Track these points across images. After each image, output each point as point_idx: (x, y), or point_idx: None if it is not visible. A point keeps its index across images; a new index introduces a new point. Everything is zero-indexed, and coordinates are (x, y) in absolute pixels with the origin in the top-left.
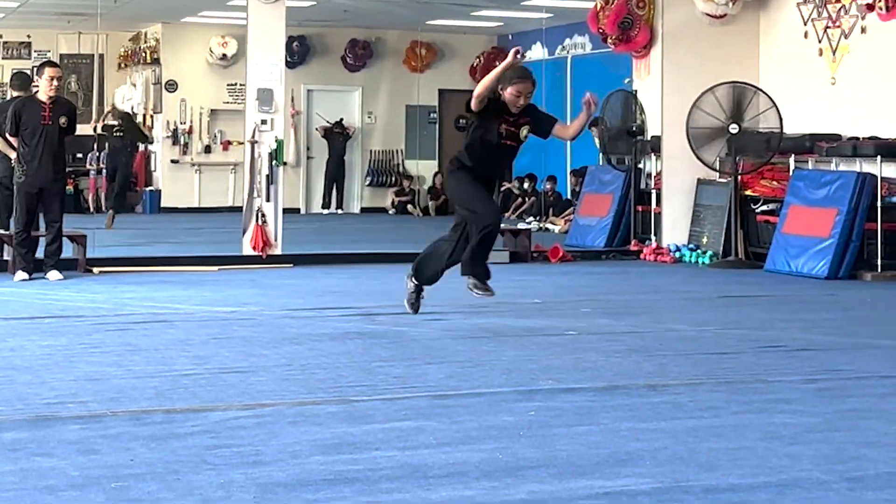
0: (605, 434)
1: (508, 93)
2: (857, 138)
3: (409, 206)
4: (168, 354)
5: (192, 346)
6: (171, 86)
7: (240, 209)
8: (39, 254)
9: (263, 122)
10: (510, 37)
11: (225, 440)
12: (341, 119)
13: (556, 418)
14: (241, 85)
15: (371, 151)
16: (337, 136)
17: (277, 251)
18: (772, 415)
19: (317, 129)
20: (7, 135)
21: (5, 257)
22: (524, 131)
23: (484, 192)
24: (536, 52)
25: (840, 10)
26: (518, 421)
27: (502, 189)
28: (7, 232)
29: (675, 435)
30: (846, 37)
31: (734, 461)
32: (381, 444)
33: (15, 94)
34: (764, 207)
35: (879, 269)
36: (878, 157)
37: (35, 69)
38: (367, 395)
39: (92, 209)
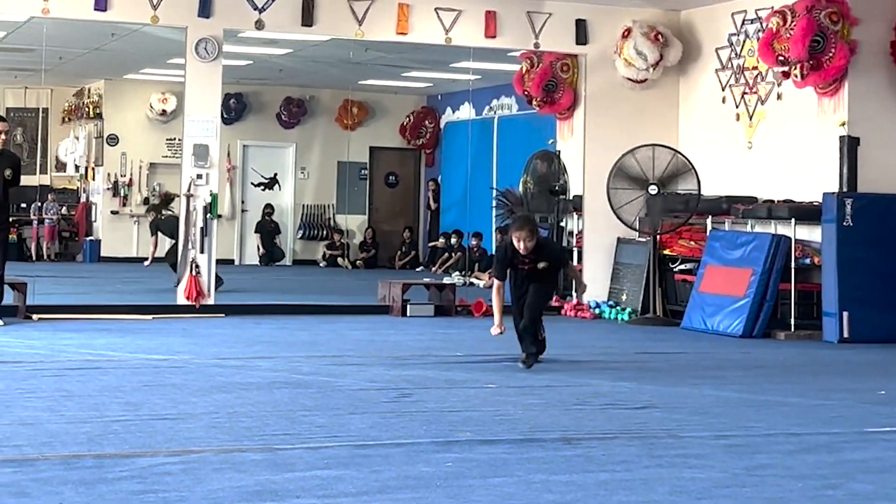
0: (519, 486)
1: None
2: (773, 201)
3: (340, 259)
4: (101, 400)
5: (124, 392)
6: (113, 139)
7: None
8: None
9: (199, 176)
10: (439, 97)
11: (151, 486)
12: (275, 174)
13: (472, 469)
14: (179, 140)
15: (304, 206)
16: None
17: (210, 301)
18: (681, 469)
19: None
20: None
21: None
22: (541, 265)
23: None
24: (464, 113)
25: (757, 76)
26: (435, 471)
27: (429, 245)
28: None
29: (587, 488)
30: (763, 103)
31: None
32: (301, 492)
33: None
34: (682, 266)
35: (792, 329)
36: (793, 220)
37: None
38: (291, 443)
39: (34, 257)
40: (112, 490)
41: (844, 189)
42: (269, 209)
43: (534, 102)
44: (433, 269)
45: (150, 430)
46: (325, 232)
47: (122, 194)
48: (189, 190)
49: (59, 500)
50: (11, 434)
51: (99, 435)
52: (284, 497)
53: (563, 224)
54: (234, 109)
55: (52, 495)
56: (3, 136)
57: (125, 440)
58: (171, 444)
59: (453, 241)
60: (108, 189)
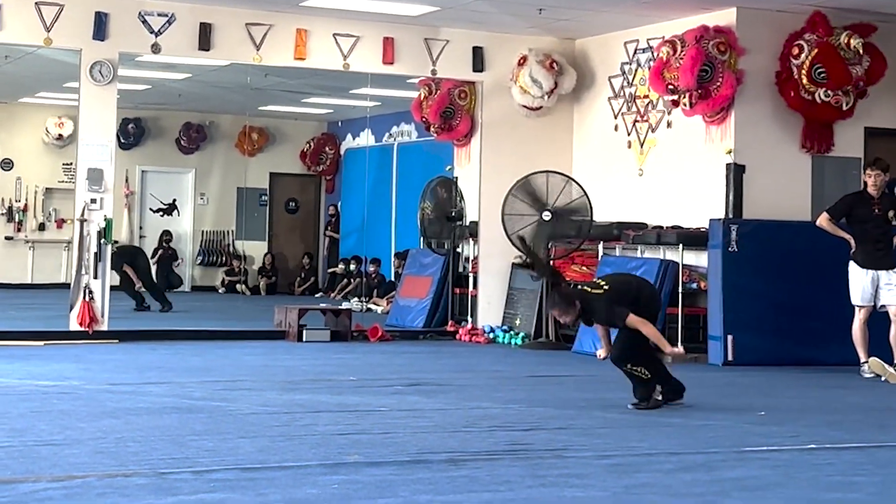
0: None
1: None
2: (662, 227)
3: (238, 286)
4: None
5: (9, 418)
6: (7, 164)
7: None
8: None
9: (93, 200)
10: (339, 123)
11: None
12: (174, 200)
13: (358, 491)
14: (75, 164)
15: (203, 232)
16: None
17: (104, 327)
18: (563, 489)
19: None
20: None
21: None
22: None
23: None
24: (364, 139)
25: (648, 105)
26: (321, 493)
27: (328, 271)
28: None
29: None
30: (653, 130)
31: None
32: None
33: None
34: None
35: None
36: (681, 245)
37: None
38: (178, 467)
39: None
40: None
41: (730, 215)
42: (167, 236)
43: (432, 129)
44: (332, 294)
45: (33, 456)
46: (224, 258)
47: (16, 220)
48: (83, 215)
49: None
50: None
51: None
52: None
53: (459, 250)
54: (133, 134)
55: None
56: None
57: (7, 466)
58: (55, 470)
59: (352, 267)
60: (3, 214)
